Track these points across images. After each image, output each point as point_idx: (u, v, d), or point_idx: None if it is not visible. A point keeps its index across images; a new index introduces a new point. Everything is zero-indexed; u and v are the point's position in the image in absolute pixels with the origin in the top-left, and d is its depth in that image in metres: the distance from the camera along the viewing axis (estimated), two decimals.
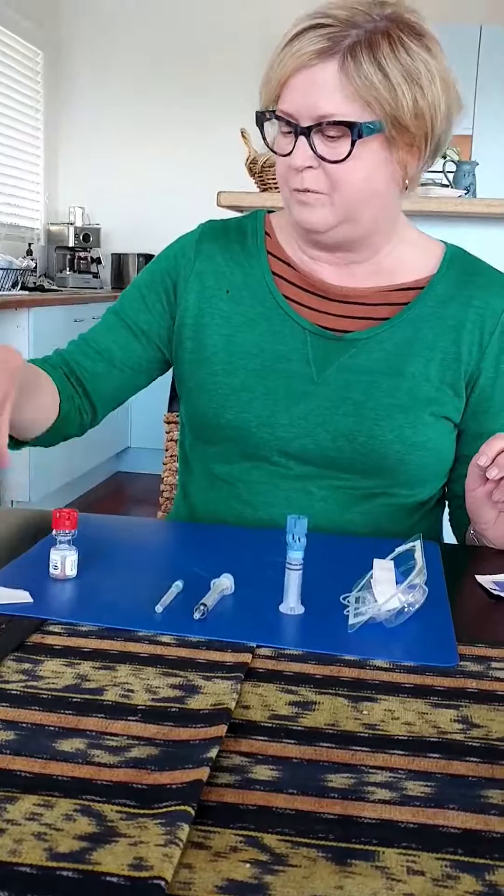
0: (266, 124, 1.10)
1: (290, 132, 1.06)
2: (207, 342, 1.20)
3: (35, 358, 1.23)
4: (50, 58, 5.32)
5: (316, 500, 1.17)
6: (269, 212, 1.28)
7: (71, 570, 0.92)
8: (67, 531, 0.92)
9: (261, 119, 1.09)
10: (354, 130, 1.02)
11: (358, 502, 1.17)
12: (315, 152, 1.04)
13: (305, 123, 1.04)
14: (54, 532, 0.92)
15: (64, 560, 0.91)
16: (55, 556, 0.92)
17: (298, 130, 1.04)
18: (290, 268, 1.21)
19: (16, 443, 1.16)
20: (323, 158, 1.04)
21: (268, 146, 1.11)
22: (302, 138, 1.04)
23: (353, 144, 1.02)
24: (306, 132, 1.03)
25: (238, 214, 1.31)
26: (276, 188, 2.28)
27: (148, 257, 5.33)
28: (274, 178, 2.28)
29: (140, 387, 1.30)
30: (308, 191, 1.07)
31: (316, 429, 1.15)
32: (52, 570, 0.92)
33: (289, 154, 1.06)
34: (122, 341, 1.25)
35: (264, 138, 1.11)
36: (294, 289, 1.20)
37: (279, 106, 1.06)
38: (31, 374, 1.08)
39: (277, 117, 1.06)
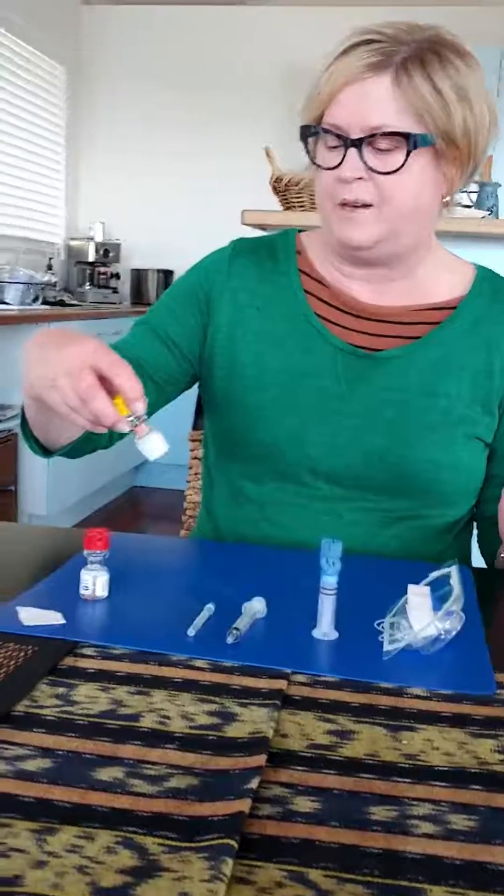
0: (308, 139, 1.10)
1: (337, 146, 1.06)
2: (239, 358, 1.19)
3: None
4: (71, 73, 5.36)
5: (345, 523, 1.15)
6: (299, 231, 1.28)
7: (102, 591, 0.91)
8: (99, 551, 0.91)
9: (305, 133, 1.09)
10: (410, 141, 1.02)
11: (388, 526, 1.16)
12: (366, 164, 1.04)
13: (355, 135, 1.04)
14: (86, 552, 0.91)
15: (95, 580, 0.90)
16: (86, 576, 0.91)
17: (349, 143, 1.04)
18: (321, 285, 1.20)
19: (44, 451, 1.15)
20: (373, 170, 1.04)
21: (311, 160, 1.11)
22: (353, 150, 1.04)
23: (408, 154, 1.03)
24: (357, 144, 1.04)
25: (262, 233, 1.31)
26: (301, 207, 2.28)
27: (167, 273, 5.34)
28: (298, 197, 2.28)
29: (169, 399, 1.28)
30: (356, 204, 1.07)
31: (347, 447, 1.14)
32: (82, 590, 0.91)
33: (336, 167, 1.06)
34: (153, 351, 1.23)
35: (308, 152, 1.11)
36: (325, 307, 1.19)
37: (326, 119, 1.06)
38: None
39: (325, 130, 1.07)
